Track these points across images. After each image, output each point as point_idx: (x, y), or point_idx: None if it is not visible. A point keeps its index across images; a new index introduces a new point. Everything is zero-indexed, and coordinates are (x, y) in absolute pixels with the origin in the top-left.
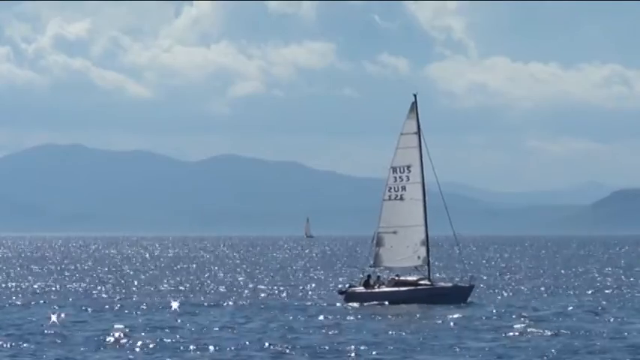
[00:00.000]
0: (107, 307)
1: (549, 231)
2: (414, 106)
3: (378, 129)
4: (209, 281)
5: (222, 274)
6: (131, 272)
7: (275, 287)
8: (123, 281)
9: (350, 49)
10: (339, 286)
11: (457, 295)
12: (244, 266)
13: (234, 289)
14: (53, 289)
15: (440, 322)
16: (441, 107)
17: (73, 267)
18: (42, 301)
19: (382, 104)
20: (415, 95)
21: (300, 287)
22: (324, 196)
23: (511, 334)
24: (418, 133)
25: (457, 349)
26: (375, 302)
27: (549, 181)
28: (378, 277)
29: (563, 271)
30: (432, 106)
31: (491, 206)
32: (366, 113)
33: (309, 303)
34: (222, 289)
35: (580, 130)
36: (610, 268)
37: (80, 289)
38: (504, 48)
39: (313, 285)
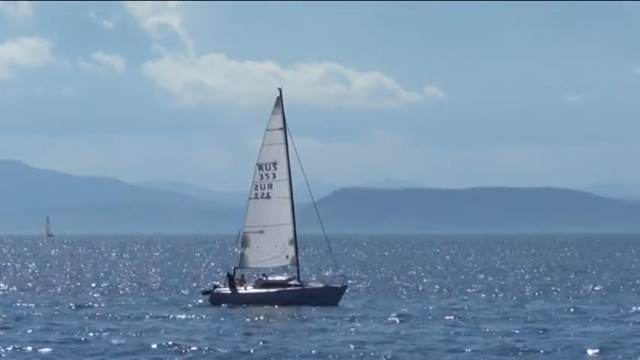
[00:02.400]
0: None
1: None
2: (280, 101)
3: (99, 128)
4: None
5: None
6: None
7: None
8: None
9: (65, 47)
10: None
11: (328, 297)
12: None
13: None
14: None
15: None
16: (159, 106)
17: None
18: None
19: (101, 103)
20: (280, 89)
21: None
22: (47, 195)
23: None
24: (284, 128)
25: None
26: (242, 304)
27: None
28: (242, 275)
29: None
30: (150, 104)
31: (216, 206)
32: (85, 112)
33: None
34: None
35: (301, 129)
36: None
37: None
38: (221, 46)
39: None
